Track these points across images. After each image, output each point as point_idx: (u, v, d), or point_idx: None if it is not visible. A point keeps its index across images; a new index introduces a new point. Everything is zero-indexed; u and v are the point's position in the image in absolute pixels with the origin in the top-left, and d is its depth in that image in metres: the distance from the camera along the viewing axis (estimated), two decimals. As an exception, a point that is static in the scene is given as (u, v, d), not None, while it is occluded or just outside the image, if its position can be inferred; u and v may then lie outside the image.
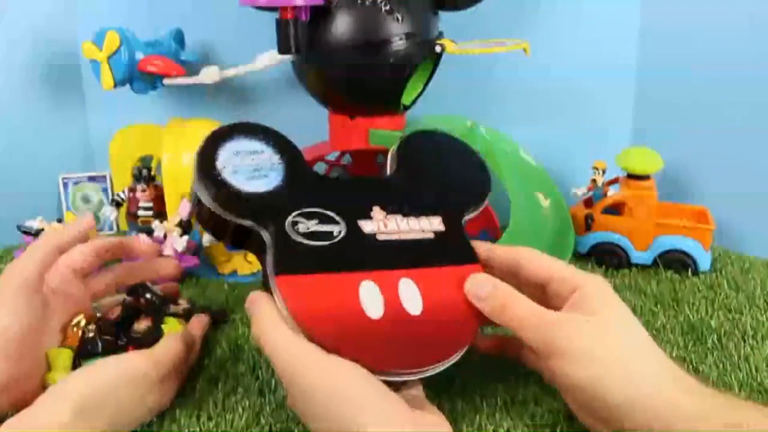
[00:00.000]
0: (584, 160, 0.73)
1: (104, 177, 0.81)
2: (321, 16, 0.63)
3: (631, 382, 0.38)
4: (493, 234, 0.69)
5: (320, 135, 0.73)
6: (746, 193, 0.72)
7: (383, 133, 0.68)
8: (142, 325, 0.50)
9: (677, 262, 0.67)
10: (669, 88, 0.76)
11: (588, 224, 0.70)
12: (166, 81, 0.72)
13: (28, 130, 0.79)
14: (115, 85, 0.70)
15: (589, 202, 0.73)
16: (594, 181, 0.72)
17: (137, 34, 0.71)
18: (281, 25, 0.62)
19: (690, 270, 0.67)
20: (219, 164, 0.45)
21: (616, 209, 0.70)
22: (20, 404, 0.41)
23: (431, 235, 0.46)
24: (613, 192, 0.71)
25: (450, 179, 0.52)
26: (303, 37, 0.63)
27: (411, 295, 0.42)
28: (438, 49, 0.65)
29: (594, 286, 0.43)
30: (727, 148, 0.73)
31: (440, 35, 0.67)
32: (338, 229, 0.44)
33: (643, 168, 0.69)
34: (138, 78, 0.71)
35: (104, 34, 0.69)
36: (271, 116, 0.81)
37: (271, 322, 0.40)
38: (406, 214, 0.47)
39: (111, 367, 0.43)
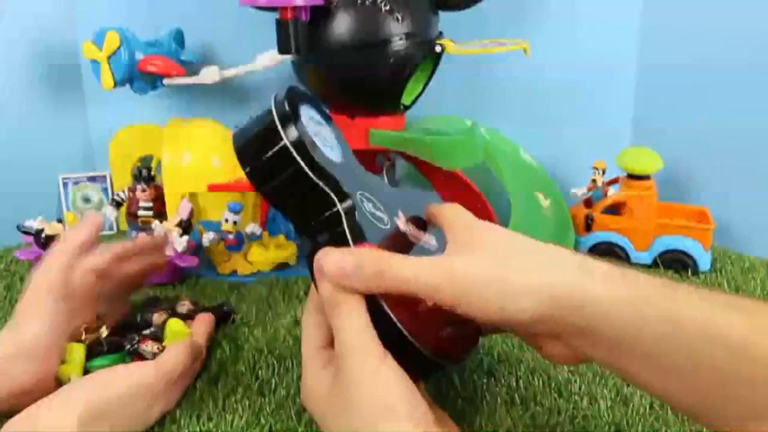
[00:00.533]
0: (584, 160, 0.73)
1: (104, 177, 0.81)
2: (321, 16, 0.63)
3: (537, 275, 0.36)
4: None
5: (320, 135, 0.72)
6: (746, 193, 0.72)
7: (383, 133, 0.68)
8: (160, 318, 0.52)
9: (677, 262, 0.67)
10: (669, 89, 0.76)
11: (588, 224, 0.70)
12: (166, 81, 0.72)
13: (28, 130, 0.79)
14: (115, 85, 0.70)
15: (589, 202, 0.73)
16: (594, 181, 0.72)
17: (137, 34, 0.71)
18: (281, 25, 0.62)
19: (690, 270, 0.67)
20: (304, 122, 0.43)
21: (616, 209, 0.70)
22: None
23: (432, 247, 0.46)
24: (613, 192, 0.71)
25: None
26: (303, 37, 0.63)
27: None
28: (438, 49, 0.65)
29: (459, 224, 0.41)
30: (727, 148, 0.73)
31: (440, 35, 0.67)
32: (386, 219, 0.44)
33: (643, 168, 0.69)
34: (138, 78, 0.71)
35: (104, 34, 0.69)
36: (271, 116, 0.82)
37: (359, 331, 0.37)
38: (420, 227, 0.47)
39: (120, 379, 0.43)
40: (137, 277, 0.55)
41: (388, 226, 0.43)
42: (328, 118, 0.48)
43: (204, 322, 0.55)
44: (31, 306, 0.47)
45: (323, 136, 0.45)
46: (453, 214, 0.43)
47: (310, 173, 0.41)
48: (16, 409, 0.41)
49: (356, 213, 0.41)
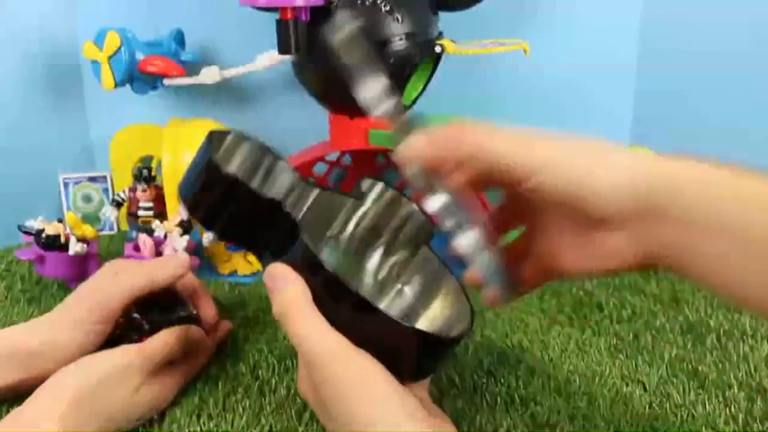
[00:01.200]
0: (584, 160, 0.73)
1: (105, 177, 0.81)
2: (321, 16, 0.63)
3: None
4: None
5: (320, 135, 0.73)
6: (746, 192, 0.72)
7: (383, 133, 0.68)
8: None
9: (677, 261, 0.67)
10: (669, 89, 0.76)
11: (588, 224, 0.70)
12: (166, 81, 0.72)
13: (28, 130, 0.79)
14: (116, 86, 0.70)
15: (589, 202, 0.73)
16: (594, 180, 0.72)
17: (137, 34, 0.71)
18: (281, 25, 0.62)
19: (690, 270, 0.67)
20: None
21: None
22: None
23: None
24: (613, 192, 0.70)
25: None
26: (303, 37, 0.63)
27: None
28: (438, 49, 0.65)
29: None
30: (727, 149, 0.72)
31: (440, 35, 0.67)
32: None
33: (643, 168, 0.69)
34: (138, 78, 0.71)
35: (105, 34, 0.69)
36: (271, 116, 0.82)
37: (299, 304, 0.38)
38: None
39: (102, 362, 0.44)
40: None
41: None
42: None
43: (221, 328, 0.55)
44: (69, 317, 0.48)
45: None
46: None
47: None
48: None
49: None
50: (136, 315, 0.51)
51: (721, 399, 0.47)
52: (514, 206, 0.42)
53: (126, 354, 0.45)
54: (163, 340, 0.47)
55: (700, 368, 0.51)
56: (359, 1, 0.63)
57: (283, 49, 0.63)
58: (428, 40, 0.65)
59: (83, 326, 0.48)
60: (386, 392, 0.36)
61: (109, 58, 0.69)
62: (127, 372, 0.44)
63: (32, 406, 0.41)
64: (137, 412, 0.45)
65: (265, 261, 0.42)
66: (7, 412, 0.45)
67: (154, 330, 0.49)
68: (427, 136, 0.39)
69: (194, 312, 0.54)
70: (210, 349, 0.53)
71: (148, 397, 0.45)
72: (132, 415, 0.44)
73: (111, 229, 0.81)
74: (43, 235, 0.64)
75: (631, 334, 0.56)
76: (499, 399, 0.48)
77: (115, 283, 0.50)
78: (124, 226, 0.78)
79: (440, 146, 0.38)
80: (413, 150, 0.40)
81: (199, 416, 0.46)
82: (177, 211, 0.68)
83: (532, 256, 0.40)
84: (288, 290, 0.38)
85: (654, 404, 0.47)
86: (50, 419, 0.39)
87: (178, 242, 0.65)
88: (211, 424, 0.46)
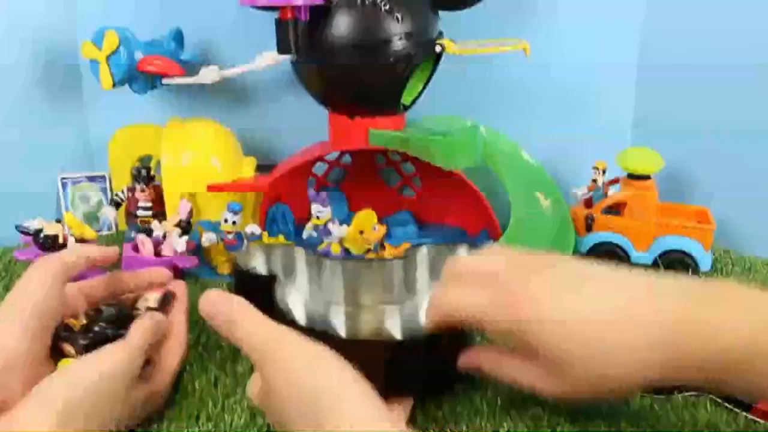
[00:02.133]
0: (584, 160, 0.73)
1: (103, 177, 0.81)
2: (321, 15, 0.63)
3: None
4: (493, 234, 0.69)
5: (320, 135, 0.72)
6: (746, 193, 0.72)
7: (383, 133, 0.68)
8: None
9: (678, 262, 0.67)
10: (669, 89, 0.76)
11: (588, 224, 0.70)
12: (165, 81, 0.72)
13: (27, 130, 0.78)
14: (115, 85, 0.70)
15: (589, 202, 0.73)
16: (594, 181, 0.72)
17: (136, 33, 0.70)
18: (281, 25, 0.62)
19: (690, 270, 0.67)
20: None
21: (616, 209, 0.70)
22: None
23: None
24: (613, 192, 0.70)
25: None
26: (303, 37, 0.63)
27: None
28: (438, 49, 0.65)
29: None
30: (727, 148, 0.73)
31: (440, 35, 0.67)
32: None
33: (644, 168, 0.69)
34: (137, 78, 0.71)
35: (103, 33, 0.68)
36: (271, 116, 0.82)
37: (243, 309, 0.39)
38: None
39: (91, 367, 0.42)
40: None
41: None
42: None
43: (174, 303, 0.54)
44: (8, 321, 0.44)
45: None
46: None
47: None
48: None
49: None
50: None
51: (722, 399, 0.47)
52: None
53: (112, 354, 0.43)
54: (142, 327, 0.46)
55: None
56: (359, 1, 0.62)
57: (282, 48, 0.63)
58: (428, 40, 0.65)
59: (28, 330, 0.44)
60: (336, 365, 0.36)
61: (108, 57, 0.69)
62: (117, 372, 0.42)
63: (23, 415, 0.39)
64: (130, 414, 0.44)
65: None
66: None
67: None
68: None
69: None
70: (184, 333, 0.51)
71: (140, 396, 0.44)
72: (128, 415, 0.43)
73: (110, 229, 0.80)
74: (42, 235, 0.64)
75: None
76: (499, 399, 0.48)
77: (43, 271, 0.47)
78: (123, 226, 0.78)
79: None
80: None
81: (198, 416, 0.46)
82: (176, 211, 0.68)
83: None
84: (231, 304, 0.40)
85: (655, 405, 0.47)
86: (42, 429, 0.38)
87: (177, 242, 0.65)
88: (210, 425, 0.45)
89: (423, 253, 0.55)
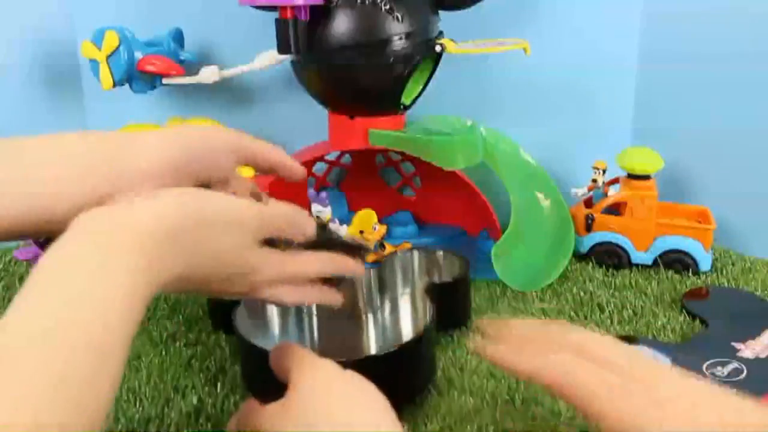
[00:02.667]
0: (584, 160, 0.73)
1: (103, 177, 0.81)
2: (321, 15, 0.63)
3: None
4: (493, 234, 0.69)
5: (320, 135, 0.72)
6: (746, 193, 0.72)
7: (383, 133, 0.68)
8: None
9: (678, 262, 0.67)
10: (669, 89, 0.76)
11: (588, 224, 0.70)
12: (165, 81, 0.72)
13: (27, 130, 0.78)
14: (114, 85, 0.70)
15: (589, 202, 0.73)
16: (594, 181, 0.72)
17: (136, 33, 0.70)
18: (281, 25, 0.62)
19: (690, 270, 0.67)
20: None
21: (616, 209, 0.70)
22: None
23: None
24: (613, 192, 0.70)
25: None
26: (303, 37, 0.63)
27: None
28: (438, 48, 0.65)
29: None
30: (727, 148, 0.73)
31: (440, 35, 0.67)
32: (738, 365, 0.50)
33: (644, 168, 0.69)
34: (137, 78, 0.71)
35: (103, 33, 0.68)
36: (270, 116, 0.82)
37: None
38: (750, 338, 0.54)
39: (218, 197, 0.36)
40: None
41: (745, 372, 0.49)
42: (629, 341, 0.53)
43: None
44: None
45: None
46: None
47: None
48: None
49: None
50: None
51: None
52: None
53: (243, 209, 0.36)
54: (279, 211, 0.39)
55: (701, 369, 0.51)
56: (359, 1, 0.62)
57: (282, 48, 0.63)
58: (428, 40, 0.65)
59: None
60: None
61: (108, 57, 0.69)
62: (241, 224, 0.36)
63: (124, 210, 0.32)
64: (235, 269, 0.36)
65: None
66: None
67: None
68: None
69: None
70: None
71: (255, 260, 0.37)
72: (228, 270, 0.36)
73: (110, 229, 0.80)
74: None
75: (632, 335, 0.56)
76: (499, 399, 0.48)
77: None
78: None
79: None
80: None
81: (197, 417, 0.46)
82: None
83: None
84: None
85: None
86: (135, 233, 0.31)
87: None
88: (209, 425, 0.45)
89: (398, 258, 0.58)
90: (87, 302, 0.27)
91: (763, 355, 0.51)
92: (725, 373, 0.48)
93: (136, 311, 0.29)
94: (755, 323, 0.55)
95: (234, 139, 0.42)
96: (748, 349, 0.51)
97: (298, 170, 0.45)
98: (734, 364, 0.50)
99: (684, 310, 0.59)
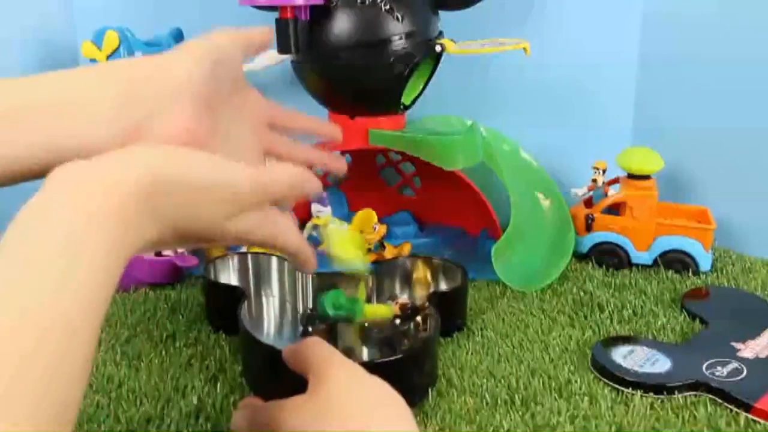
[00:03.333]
0: (584, 160, 0.73)
1: (103, 177, 0.81)
2: (321, 15, 0.63)
3: None
4: (493, 234, 0.69)
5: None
6: (746, 193, 0.72)
7: (383, 133, 0.68)
8: None
9: (678, 262, 0.67)
10: (670, 88, 0.76)
11: (588, 224, 0.70)
12: (165, 81, 0.72)
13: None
14: (115, 85, 0.70)
15: (589, 202, 0.73)
16: (594, 181, 0.72)
17: (137, 33, 0.70)
18: (281, 25, 0.62)
19: (690, 270, 0.67)
20: (626, 365, 0.50)
21: (616, 209, 0.70)
22: None
23: None
24: (613, 192, 0.70)
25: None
26: (303, 37, 0.63)
27: None
28: (438, 48, 0.65)
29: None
30: (727, 148, 0.73)
31: (440, 35, 0.67)
32: (738, 365, 0.50)
33: (644, 168, 0.69)
34: (137, 78, 0.71)
35: (104, 33, 0.69)
36: (270, 116, 0.82)
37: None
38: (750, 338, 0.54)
39: (206, 161, 0.33)
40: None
41: (745, 372, 0.49)
42: (635, 341, 0.54)
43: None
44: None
45: (644, 357, 0.51)
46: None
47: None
48: None
49: (723, 391, 0.47)
50: None
51: (721, 399, 0.47)
52: None
53: (236, 175, 0.33)
54: (281, 173, 0.36)
55: (701, 369, 0.51)
56: (359, 1, 0.62)
57: (282, 48, 0.63)
58: (428, 40, 0.65)
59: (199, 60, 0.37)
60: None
61: (108, 57, 0.69)
62: (228, 193, 0.33)
63: (106, 167, 0.29)
64: (213, 236, 0.34)
65: None
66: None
67: None
68: None
69: None
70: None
71: (239, 228, 0.34)
72: (205, 237, 0.34)
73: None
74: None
75: (632, 335, 0.56)
76: (499, 399, 0.48)
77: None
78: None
79: None
80: None
81: (197, 417, 0.46)
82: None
83: None
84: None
85: (655, 405, 0.47)
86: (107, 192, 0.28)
87: (177, 242, 0.65)
88: (209, 425, 0.45)
89: (396, 265, 0.59)
90: (57, 275, 0.25)
91: (763, 355, 0.51)
92: (725, 373, 0.48)
93: (108, 287, 0.27)
94: (755, 323, 0.55)
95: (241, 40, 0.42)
96: (748, 349, 0.51)
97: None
98: (734, 364, 0.49)
99: (684, 310, 0.59)
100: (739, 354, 0.51)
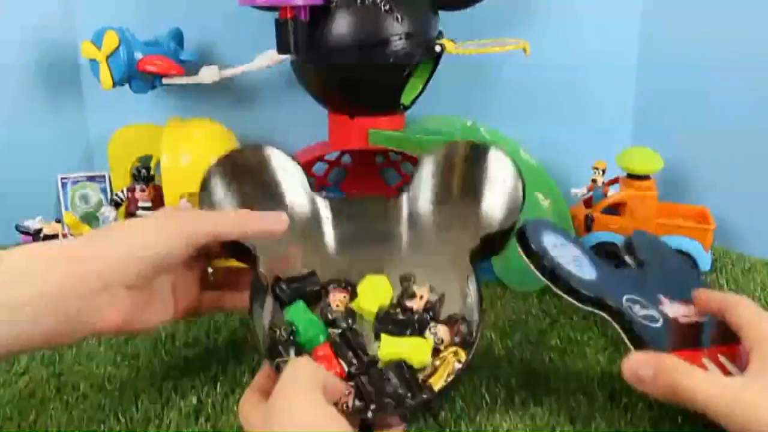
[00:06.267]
0: (584, 160, 0.73)
1: (103, 177, 0.81)
2: (320, 15, 0.63)
3: None
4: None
5: (320, 135, 0.72)
6: (746, 193, 0.72)
7: (383, 133, 0.68)
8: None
9: (677, 262, 0.67)
10: (669, 88, 0.76)
11: (588, 224, 0.70)
12: (165, 81, 0.72)
13: (26, 130, 0.78)
14: (114, 85, 0.70)
15: (589, 202, 0.73)
16: (594, 181, 0.72)
17: (136, 33, 0.70)
18: (280, 25, 0.62)
19: (690, 270, 0.67)
20: (551, 252, 0.48)
21: (616, 209, 0.70)
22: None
23: (705, 318, 0.49)
24: (613, 192, 0.70)
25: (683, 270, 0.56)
26: (302, 37, 0.63)
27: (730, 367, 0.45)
28: (438, 48, 0.65)
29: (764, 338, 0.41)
30: (727, 148, 0.73)
31: (440, 35, 0.67)
32: (656, 314, 0.47)
33: (643, 168, 0.69)
34: (137, 78, 0.71)
35: (103, 33, 0.68)
36: (270, 116, 0.82)
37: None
38: (684, 301, 0.50)
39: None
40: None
41: (659, 322, 0.46)
42: (568, 237, 0.51)
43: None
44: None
45: (571, 256, 0.48)
46: (754, 321, 0.43)
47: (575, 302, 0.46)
48: None
49: (631, 324, 0.45)
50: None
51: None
52: None
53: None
54: (238, 224, 0.46)
55: (701, 369, 0.51)
56: (359, 1, 0.62)
57: (282, 48, 0.63)
58: (428, 40, 0.65)
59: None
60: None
61: (108, 57, 0.69)
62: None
63: None
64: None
65: None
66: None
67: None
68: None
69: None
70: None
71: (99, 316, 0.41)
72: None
73: (109, 229, 0.80)
74: (41, 235, 0.64)
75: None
76: (499, 399, 0.48)
77: (203, 219, 0.45)
78: (123, 226, 0.77)
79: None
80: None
81: (197, 417, 0.46)
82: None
83: None
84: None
85: (655, 405, 0.47)
86: None
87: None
88: (209, 425, 0.45)
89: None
90: None
91: (681, 320, 0.48)
92: (640, 314, 0.46)
93: None
94: (687, 290, 0.51)
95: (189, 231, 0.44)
96: (671, 309, 0.48)
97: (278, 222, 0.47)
98: (652, 311, 0.47)
99: (627, 246, 0.56)
100: (661, 307, 0.48)
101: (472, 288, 0.47)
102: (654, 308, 0.47)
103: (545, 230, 0.50)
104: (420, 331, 0.46)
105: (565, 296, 0.46)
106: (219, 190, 0.53)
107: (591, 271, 0.48)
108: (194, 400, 0.48)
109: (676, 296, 0.50)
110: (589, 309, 0.46)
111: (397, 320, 0.47)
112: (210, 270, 0.51)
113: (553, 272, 0.46)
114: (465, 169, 0.55)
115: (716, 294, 0.48)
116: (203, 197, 0.52)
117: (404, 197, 0.55)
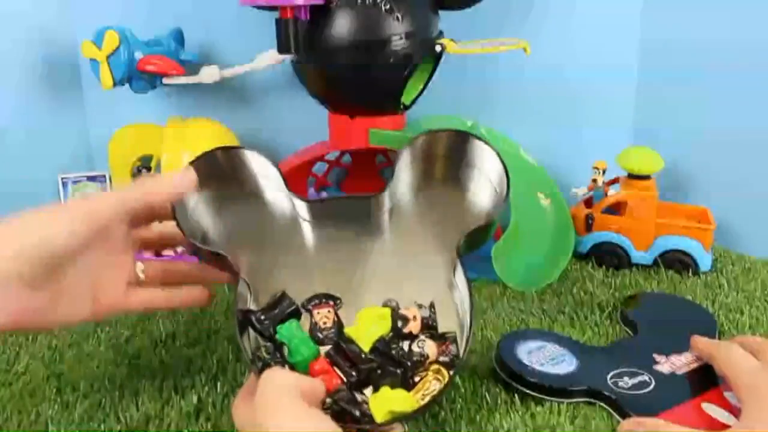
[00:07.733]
0: (584, 160, 0.73)
1: (103, 176, 0.81)
2: (321, 15, 0.63)
3: None
4: (493, 234, 0.69)
5: (320, 135, 0.72)
6: (746, 193, 0.72)
7: (383, 133, 0.68)
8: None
9: (678, 262, 0.67)
10: (669, 89, 0.76)
11: (588, 224, 0.70)
12: (165, 80, 0.72)
13: (27, 129, 0.78)
14: (115, 85, 0.70)
15: (589, 202, 0.73)
16: (594, 180, 0.72)
17: (137, 33, 0.70)
18: (281, 25, 0.62)
19: (690, 270, 0.67)
20: (526, 361, 0.50)
21: (616, 209, 0.70)
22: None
23: (695, 366, 0.50)
24: (613, 192, 0.70)
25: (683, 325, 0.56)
26: (303, 37, 0.63)
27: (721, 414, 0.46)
28: (438, 48, 0.65)
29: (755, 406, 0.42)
30: (727, 148, 0.73)
31: (440, 35, 0.67)
32: (647, 377, 0.48)
33: (644, 168, 0.69)
34: (137, 77, 0.71)
35: (104, 33, 0.69)
36: (271, 116, 0.82)
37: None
38: (676, 353, 0.51)
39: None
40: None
41: (651, 386, 0.48)
42: (550, 338, 0.53)
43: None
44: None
45: (548, 356, 0.51)
46: (743, 368, 0.44)
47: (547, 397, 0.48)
48: None
49: (615, 401, 0.46)
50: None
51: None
52: None
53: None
54: (141, 190, 0.45)
55: (701, 369, 0.51)
56: (359, 1, 0.62)
57: (282, 48, 0.63)
58: (428, 40, 0.65)
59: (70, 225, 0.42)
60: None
61: (108, 57, 0.69)
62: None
63: None
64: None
65: None
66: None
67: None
68: None
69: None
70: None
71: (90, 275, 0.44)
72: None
73: (110, 229, 0.80)
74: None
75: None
76: (499, 399, 0.48)
77: (105, 195, 0.47)
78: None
79: None
80: None
81: (198, 416, 0.46)
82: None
83: None
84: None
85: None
86: None
87: (177, 242, 0.65)
88: (209, 425, 0.45)
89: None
90: None
91: (680, 372, 0.49)
92: (629, 385, 0.47)
93: None
94: (686, 336, 0.52)
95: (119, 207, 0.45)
96: (668, 364, 0.50)
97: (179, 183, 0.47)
98: (644, 377, 0.48)
99: (622, 317, 0.58)
100: (656, 367, 0.49)
101: (460, 282, 0.48)
102: (646, 372, 0.49)
103: (522, 340, 0.52)
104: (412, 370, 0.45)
105: (537, 394, 0.48)
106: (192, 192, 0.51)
107: (571, 363, 0.50)
108: (194, 400, 0.48)
109: (675, 350, 0.51)
110: (580, 400, 0.47)
111: (390, 356, 0.46)
112: (141, 267, 0.49)
113: (521, 377, 0.48)
114: (447, 158, 0.55)
115: (706, 342, 0.49)
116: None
117: (386, 194, 0.54)
